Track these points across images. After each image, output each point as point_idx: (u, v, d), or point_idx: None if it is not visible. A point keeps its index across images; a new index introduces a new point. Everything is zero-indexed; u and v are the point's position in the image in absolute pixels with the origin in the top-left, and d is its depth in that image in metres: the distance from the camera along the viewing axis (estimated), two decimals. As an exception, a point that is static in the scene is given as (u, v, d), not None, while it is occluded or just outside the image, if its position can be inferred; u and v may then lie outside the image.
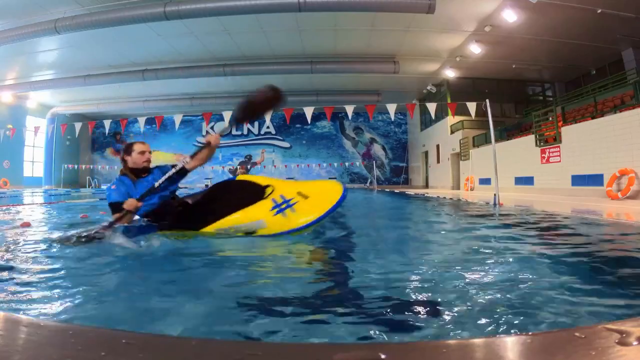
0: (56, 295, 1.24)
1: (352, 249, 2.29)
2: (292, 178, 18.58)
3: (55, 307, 1.13)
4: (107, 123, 9.36)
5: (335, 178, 20.67)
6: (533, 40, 11.60)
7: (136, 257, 1.92)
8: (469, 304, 1.13)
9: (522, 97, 16.46)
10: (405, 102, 13.43)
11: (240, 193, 2.66)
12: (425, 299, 1.21)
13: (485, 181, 13.10)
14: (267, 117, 8.84)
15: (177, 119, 9.04)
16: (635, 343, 0.52)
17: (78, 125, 8.85)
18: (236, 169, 22.48)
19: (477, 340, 0.63)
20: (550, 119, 10.57)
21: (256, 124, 23.34)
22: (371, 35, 12.00)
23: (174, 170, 2.62)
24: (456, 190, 15.16)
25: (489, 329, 0.95)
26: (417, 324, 0.99)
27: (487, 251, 2.01)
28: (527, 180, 11.10)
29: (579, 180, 9.03)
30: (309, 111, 8.08)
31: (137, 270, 1.73)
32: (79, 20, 9.63)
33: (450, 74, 14.95)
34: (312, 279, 1.58)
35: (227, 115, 8.78)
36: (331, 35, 12.07)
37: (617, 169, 7.67)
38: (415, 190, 15.54)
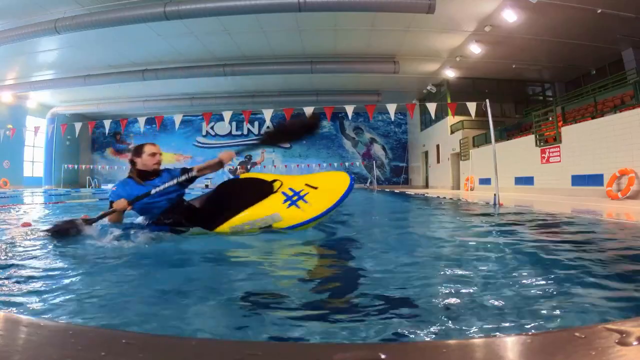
0: (56, 295, 1.24)
1: (352, 249, 2.29)
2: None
3: (56, 307, 1.13)
4: (107, 123, 9.36)
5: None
6: (533, 40, 11.60)
7: (136, 258, 1.92)
8: (469, 303, 1.13)
9: (522, 97, 16.47)
10: (405, 102, 13.42)
11: (248, 190, 2.64)
12: (425, 298, 1.21)
13: (485, 181, 13.10)
14: (267, 117, 8.82)
15: (177, 119, 9.03)
16: (635, 343, 0.52)
17: (78, 125, 8.85)
18: (236, 169, 22.48)
19: (477, 340, 0.63)
20: (550, 119, 10.58)
21: (256, 123, 23.36)
22: (371, 35, 12.01)
23: (175, 181, 2.53)
24: (456, 190, 15.16)
25: (489, 328, 0.95)
26: (417, 324, 0.99)
27: (487, 251, 2.01)
28: (527, 180, 11.10)
29: (579, 180, 9.03)
30: (309, 111, 8.05)
31: (137, 270, 1.72)
32: (79, 20, 9.63)
33: (450, 74, 14.96)
34: (312, 278, 1.58)
35: (227, 115, 8.78)
36: (331, 35, 12.08)
37: (617, 169, 7.67)
38: (415, 190, 15.54)
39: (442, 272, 1.55)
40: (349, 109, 8.42)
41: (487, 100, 6.53)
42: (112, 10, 9.54)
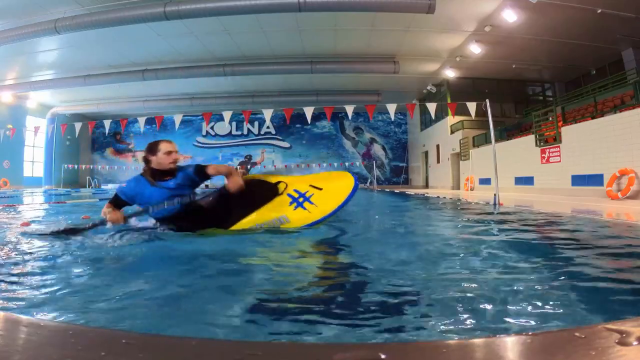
0: (56, 295, 1.24)
1: (352, 248, 2.29)
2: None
3: (57, 307, 1.13)
4: (107, 123, 9.33)
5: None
6: (533, 40, 11.60)
7: (137, 258, 1.92)
8: (469, 303, 1.13)
9: (522, 97, 16.47)
10: (405, 102, 13.41)
11: (253, 193, 2.60)
12: (425, 298, 1.21)
13: (485, 181, 13.10)
14: (267, 117, 8.81)
15: (177, 119, 9.01)
16: (635, 343, 0.52)
17: (78, 125, 8.83)
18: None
19: (477, 340, 0.63)
20: (550, 119, 10.58)
21: (256, 123, 23.36)
22: (371, 35, 12.01)
23: (177, 199, 2.43)
24: (456, 190, 15.16)
25: (489, 328, 0.95)
26: (417, 324, 0.99)
27: (487, 251, 2.01)
28: (527, 180, 11.10)
29: (579, 180, 9.03)
30: (309, 111, 8.07)
31: (137, 270, 1.72)
32: (79, 20, 9.63)
33: (450, 74, 14.96)
34: (312, 278, 1.58)
35: (227, 115, 8.73)
36: (331, 35, 12.08)
37: (617, 169, 7.67)
38: (415, 190, 15.54)
39: (442, 272, 1.55)
40: (349, 109, 8.40)
41: (487, 100, 6.53)
42: (112, 10, 9.54)
